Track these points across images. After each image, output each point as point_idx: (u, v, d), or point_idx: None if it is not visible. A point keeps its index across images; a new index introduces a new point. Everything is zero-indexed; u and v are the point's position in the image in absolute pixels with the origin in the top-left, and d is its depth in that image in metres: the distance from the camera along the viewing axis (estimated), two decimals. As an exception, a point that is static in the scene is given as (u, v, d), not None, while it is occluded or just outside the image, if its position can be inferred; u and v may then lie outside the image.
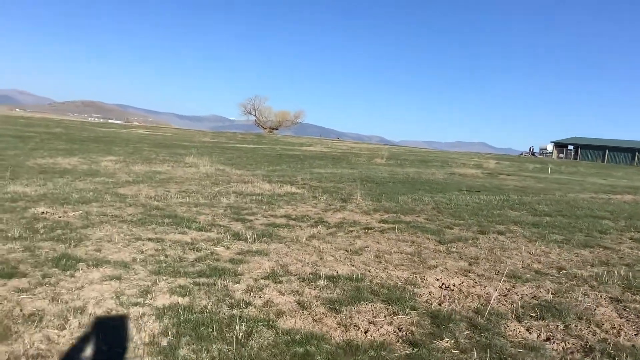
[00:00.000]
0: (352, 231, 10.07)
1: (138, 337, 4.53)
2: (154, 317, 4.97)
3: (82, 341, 4.43)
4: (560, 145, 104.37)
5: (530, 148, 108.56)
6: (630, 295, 6.41)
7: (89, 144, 33.67)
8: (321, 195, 15.14)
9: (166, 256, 7.37)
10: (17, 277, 5.96)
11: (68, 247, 7.52)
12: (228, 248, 8.13)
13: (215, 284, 6.15)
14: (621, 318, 5.58)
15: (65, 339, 4.45)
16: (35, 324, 4.69)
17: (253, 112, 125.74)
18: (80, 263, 6.69)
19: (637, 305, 6.02)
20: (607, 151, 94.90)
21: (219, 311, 5.21)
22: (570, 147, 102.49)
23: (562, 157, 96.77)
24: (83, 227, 8.93)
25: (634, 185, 28.99)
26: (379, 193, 16.53)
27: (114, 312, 5.07)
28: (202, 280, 6.30)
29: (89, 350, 4.32)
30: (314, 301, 5.67)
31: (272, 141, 68.47)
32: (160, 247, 7.86)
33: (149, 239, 8.38)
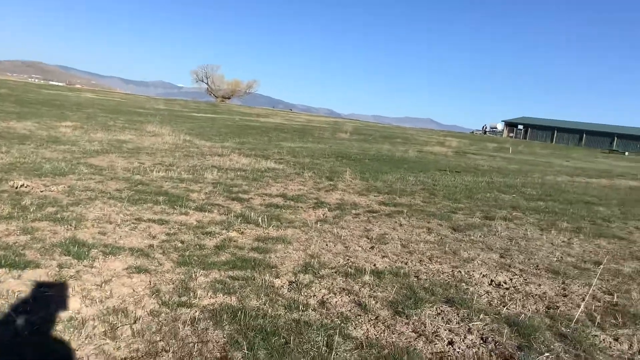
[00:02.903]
0: (358, 215, 9.59)
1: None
2: (212, 323, 4.33)
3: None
4: (510, 125, 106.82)
5: (483, 127, 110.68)
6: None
7: (39, 107, 31.84)
8: (304, 172, 14.59)
9: (182, 242, 6.68)
10: (30, 267, 5.18)
11: (69, 229, 6.71)
12: (242, 233, 7.50)
13: (253, 278, 5.54)
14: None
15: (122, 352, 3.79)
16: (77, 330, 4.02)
17: (205, 80, 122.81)
18: (93, 250, 5.93)
19: None
20: (555, 132, 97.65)
21: (278, 314, 4.63)
22: (520, 126, 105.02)
23: (512, 137, 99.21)
24: (73, 205, 8.08)
25: (599, 167, 29.68)
26: (361, 171, 16.09)
27: (163, 313, 4.41)
28: (237, 273, 5.68)
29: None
30: (373, 302, 5.16)
31: (228, 111, 66.98)
32: (170, 231, 7.15)
33: (152, 221, 7.64)
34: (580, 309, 5.32)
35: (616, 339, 4.72)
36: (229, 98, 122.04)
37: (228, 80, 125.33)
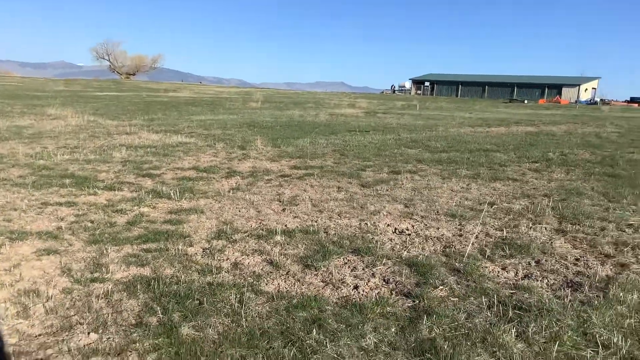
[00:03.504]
0: (270, 180, 9.81)
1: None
2: (125, 294, 4.45)
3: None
4: (417, 82, 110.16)
5: (392, 86, 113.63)
6: (569, 225, 6.89)
7: None
8: (216, 144, 14.59)
9: (92, 222, 6.65)
10: None
11: (-31, 219, 6.53)
12: (154, 208, 7.54)
13: (167, 249, 5.66)
14: (577, 249, 5.97)
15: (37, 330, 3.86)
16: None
17: (106, 57, 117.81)
18: (-1, 237, 5.84)
19: (581, 235, 6.47)
20: (460, 86, 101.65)
21: (191, 279, 4.81)
22: (427, 83, 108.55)
23: (419, 94, 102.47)
24: (-27, 195, 7.82)
25: (499, 117, 31.30)
26: (273, 138, 16.26)
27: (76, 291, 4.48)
28: (150, 245, 5.78)
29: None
30: (284, 259, 5.44)
31: (134, 88, 64.81)
32: (79, 212, 7.09)
33: (59, 204, 7.52)
34: (470, 246, 5.83)
35: (504, 268, 5.26)
36: (133, 74, 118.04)
37: (131, 56, 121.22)
